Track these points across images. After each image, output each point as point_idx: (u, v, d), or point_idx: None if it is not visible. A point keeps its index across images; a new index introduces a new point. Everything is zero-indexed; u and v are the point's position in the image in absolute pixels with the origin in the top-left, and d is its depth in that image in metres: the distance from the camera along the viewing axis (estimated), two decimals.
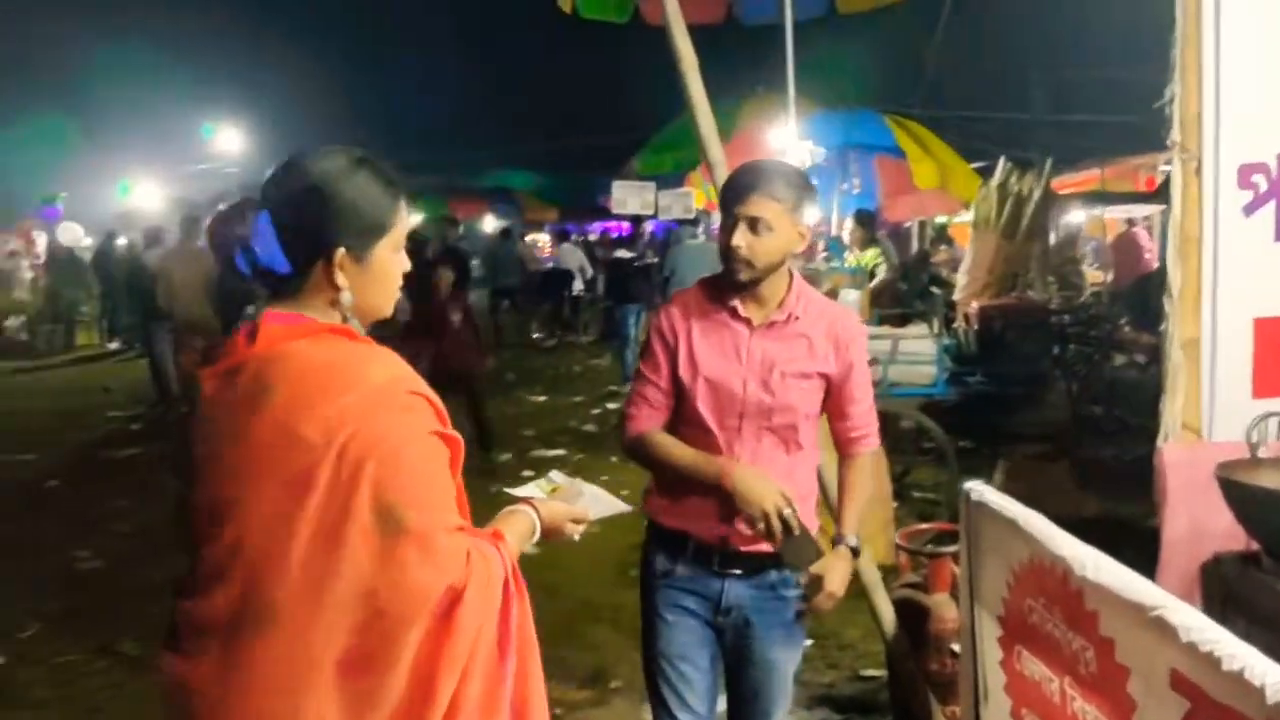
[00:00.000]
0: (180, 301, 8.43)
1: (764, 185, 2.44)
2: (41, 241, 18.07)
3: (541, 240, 20.37)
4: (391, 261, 1.66)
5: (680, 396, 2.56)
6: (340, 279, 1.58)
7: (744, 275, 2.45)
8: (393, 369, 1.57)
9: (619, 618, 4.62)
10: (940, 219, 14.02)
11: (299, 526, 1.45)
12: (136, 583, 5.47)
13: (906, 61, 16.07)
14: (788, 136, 6.20)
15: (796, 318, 2.53)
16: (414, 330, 7.46)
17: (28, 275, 16.71)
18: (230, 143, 24.24)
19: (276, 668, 1.46)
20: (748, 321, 2.53)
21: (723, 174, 3.51)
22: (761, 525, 2.39)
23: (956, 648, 3.37)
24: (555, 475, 2.01)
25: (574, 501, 1.92)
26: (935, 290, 7.14)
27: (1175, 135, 3.20)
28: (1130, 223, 13.89)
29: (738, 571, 2.53)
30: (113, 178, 22.56)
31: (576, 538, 1.89)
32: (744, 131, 8.77)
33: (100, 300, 16.71)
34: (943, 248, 12.74)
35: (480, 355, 8.24)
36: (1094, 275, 13.13)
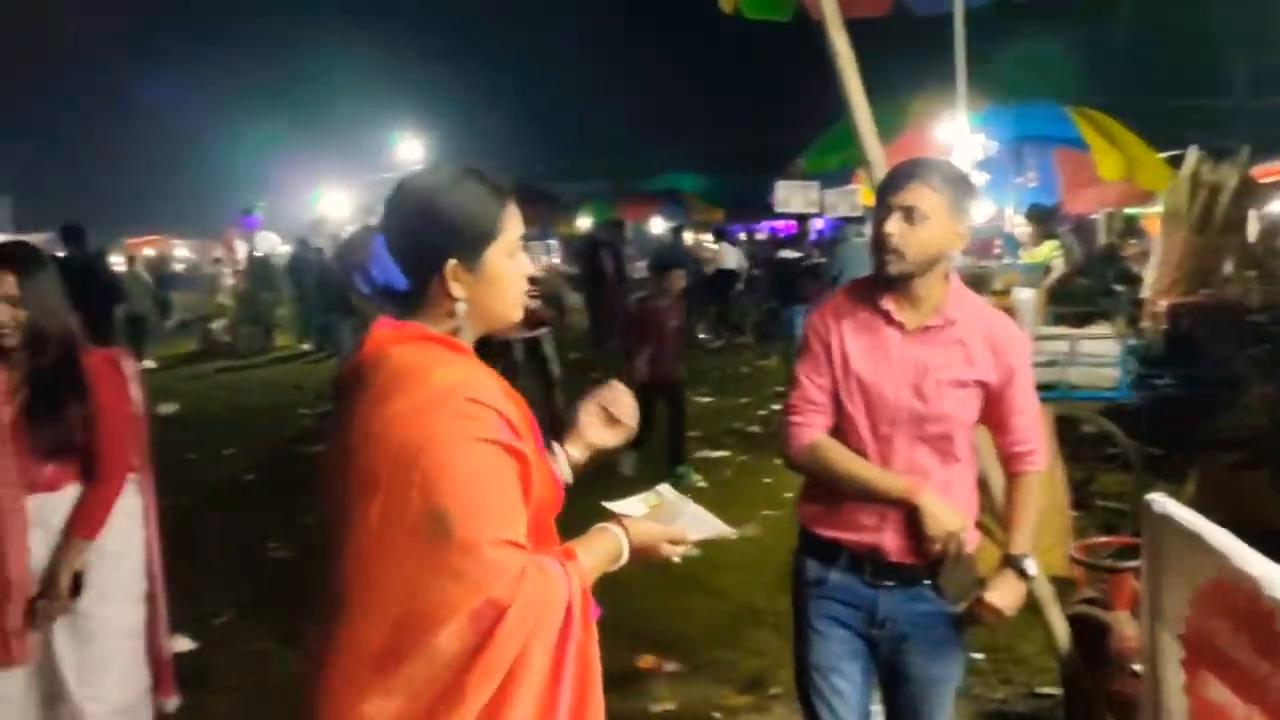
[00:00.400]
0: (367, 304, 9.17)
1: (922, 174, 2.36)
2: (242, 249, 19.30)
3: (705, 240, 20.41)
4: (506, 266, 1.68)
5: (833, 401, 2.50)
6: (455, 289, 1.63)
7: (894, 268, 2.35)
8: (458, 375, 1.57)
9: (781, 623, 4.55)
10: (1130, 210, 13.28)
11: (363, 523, 1.50)
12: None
13: (1090, 48, 15.31)
14: (957, 131, 6.02)
15: (953, 322, 2.43)
16: (631, 330, 7.37)
17: (229, 281, 17.89)
18: (411, 151, 25.29)
19: (338, 659, 1.53)
20: (900, 325, 2.44)
21: (880, 173, 3.43)
22: (939, 547, 2.35)
23: (1138, 668, 3.19)
24: (664, 489, 1.92)
25: (672, 521, 1.82)
26: (1119, 287, 6.76)
27: None
28: None
29: (891, 583, 2.47)
30: (306, 188, 23.91)
31: (676, 559, 1.81)
32: (912, 128, 8.54)
33: (294, 304, 17.83)
34: (1132, 241, 12.04)
35: (682, 364, 8.00)
36: None
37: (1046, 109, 8.43)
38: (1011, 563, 2.49)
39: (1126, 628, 3.33)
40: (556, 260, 23.56)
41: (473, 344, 1.70)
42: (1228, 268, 8.30)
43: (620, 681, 3.80)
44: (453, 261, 1.62)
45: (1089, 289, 7.65)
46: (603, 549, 1.73)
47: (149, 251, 27.54)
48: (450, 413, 1.51)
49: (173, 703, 3.35)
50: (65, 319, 3.01)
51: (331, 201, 26.82)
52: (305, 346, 16.83)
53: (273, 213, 23.03)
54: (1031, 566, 2.50)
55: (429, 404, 1.51)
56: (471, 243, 1.63)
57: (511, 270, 1.69)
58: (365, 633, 1.51)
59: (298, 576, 5.73)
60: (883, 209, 2.37)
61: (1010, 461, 2.57)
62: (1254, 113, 12.06)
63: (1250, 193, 8.15)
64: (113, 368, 3.11)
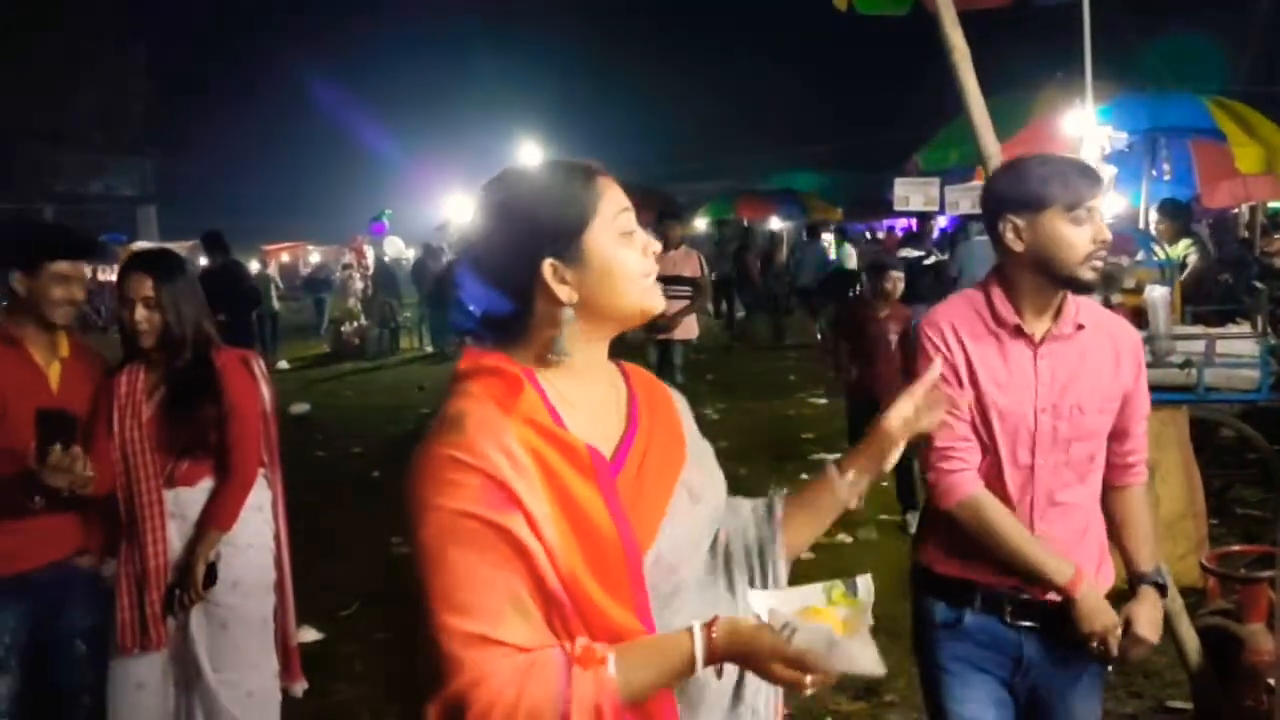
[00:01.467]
0: None
1: (1100, 175, 2.25)
2: (370, 255, 19.93)
3: (826, 240, 20.16)
4: (614, 248, 1.44)
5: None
6: (562, 292, 1.42)
7: (1100, 278, 2.19)
8: (457, 431, 1.35)
9: (895, 628, 4.48)
10: (1273, 205, 12.65)
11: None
12: None
13: (1229, 34, 14.59)
14: (1084, 122, 5.79)
15: (1081, 327, 2.25)
16: (842, 335, 6.71)
17: (359, 285, 18.50)
18: (532, 155, 25.70)
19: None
20: (1029, 338, 2.23)
21: (996, 167, 3.35)
22: (1096, 645, 2.19)
23: (1273, 683, 3.06)
24: (863, 584, 1.44)
25: (822, 648, 1.30)
26: (1259, 284, 6.41)
27: None
28: None
29: (1033, 624, 2.26)
30: (433, 194, 24.57)
31: (806, 692, 1.34)
32: (1038, 121, 8.28)
33: (418, 307, 18.35)
34: (1277, 236, 11.47)
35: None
36: None
37: (1182, 98, 8.06)
38: (1145, 580, 2.29)
39: (1262, 641, 3.19)
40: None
41: (586, 349, 1.48)
42: None
43: None
44: (549, 261, 1.41)
45: (1228, 286, 7.30)
46: (659, 659, 1.35)
47: (285, 258, 28.77)
48: (434, 478, 1.34)
49: (300, 687, 3.48)
50: (201, 322, 3.15)
51: (457, 206, 27.54)
52: (429, 348, 17.28)
53: (401, 219, 23.75)
54: (1162, 576, 2.33)
55: (424, 462, 1.36)
56: (563, 233, 1.42)
57: (622, 251, 1.45)
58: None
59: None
60: (1078, 210, 2.13)
61: (1122, 473, 2.36)
62: None
63: None
64: (245, 368, 3.25)
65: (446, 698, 1.30)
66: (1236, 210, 13.39)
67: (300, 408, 11.89)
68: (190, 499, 3.16)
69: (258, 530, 3.29)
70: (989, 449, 2.24)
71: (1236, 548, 3.99)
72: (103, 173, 32.70)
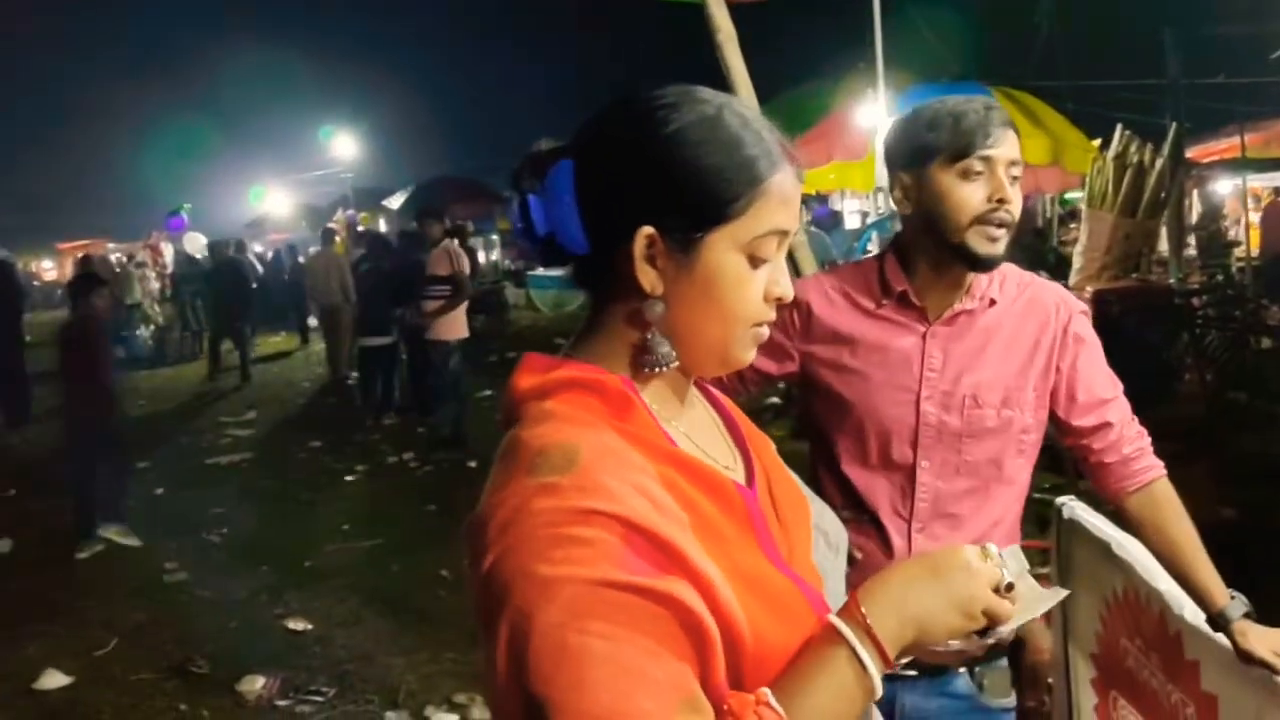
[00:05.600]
0: (319, 292, 11.52)
1: (1007, 120, 1.79)
2: (169, 252, 18.75)
3: None
4: (733, 267, 1.05)
5: (822, 419, 1.96)
6: (645, 276, 1.04)
7: (1002, 250, 1.79)
8: (567, 467, 0.96)
9: None
10: (1072, 194, 13.24)
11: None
12: (217, 595, 5.49)
13: (1018, 28, 15.23)
14: (876, 114, 5.80)
15: (994, 303, 1.89)
16: None
17: (154, 285, 17.34)
18: (345, 148, 24.81)
19: None
20: (920, 312, 1.88)
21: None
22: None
23: (1053, 682, 2.98)
24: (1006, 555, 1.08)
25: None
26: (1043, 274, 6.60)
27: None
28: (1278, 191, 12.84)
29: (913, 673, 1.89)
30: (237, 186, 23.40)
31: (1004, 634, 1.02)
32: (838, 110, 8.33)
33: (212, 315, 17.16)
34: (1073, 225, 12.00)
35: None
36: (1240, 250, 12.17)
37: (972, 90, 8.24)
38: (1231, 616, 1.85)
39: (1041, 639, 3.10)
40: (496, 256, 23.23)
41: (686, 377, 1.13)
42: (1161, 250, 8.19)
43: None
44: (649, 230, 1.03)
45: None
46: (820, 684, 0.97)
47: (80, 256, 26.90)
48: (545, 536, 0.92)
49: None
50: None
51: (272, 200, 26.33)
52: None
53: (203, 213, 22.48)
54: (1245, 603, 1.87)
55: (516, 516, 0.93)
56: (689, 209, 1.03)
57: (743, 276, 1.06)
58: None
59: (189, 600, 5.47)
60: (975, 164, 1.75)
61: (1124, 472, 1.93)
62: (1185, 90, 11.99)
63: (1185, 173, 8.03)
64: None
65: None
66: (1035, 200, 13.96)
67: None
68: None
69: None
70: (861, 441, 1.90)
71: (1017, 544, 3.95)
72: None
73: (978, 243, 1.76)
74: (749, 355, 1.11)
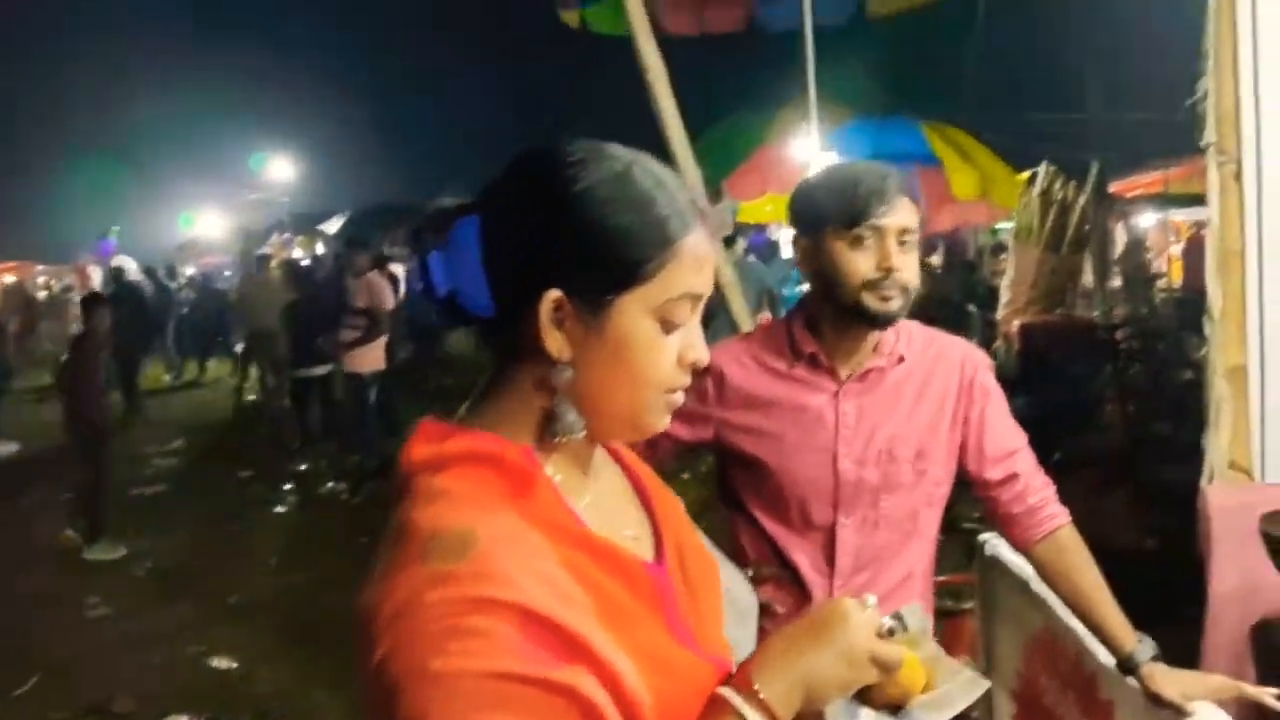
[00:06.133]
0: (252, 319, 10.83)
1: (905, 186, 1.83)
2: (97, 276, 18.34)
3: None
4: (645, 332, 1.01)
5: (740, 483, 1.98)
6: (552, 340, 0.99)
7: (898, 307, 1.82)
8: (462, 552, 0.90)
9: None
10: (1002, 225, 13.55)
11: None
12: (140, 631, 5.36)
13: (948, 64, 15.58)
14: (809, 148, 5.88)
15: (902, 359, 1.93)
16: None
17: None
18: (282, 171, 24.54)
19: None
20: (832, 372, 1.92)
21: (698, 189, 3.22)
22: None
23: (977, 716, 3.00)
24: (910, 613, 1.14)
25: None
26: (972, 307, 6.72)
27: (1210, 135, 2.80)
28: (1199, 226, 13.23)
29: None
30: (169, 209, 23.00)
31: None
32: (773, 143, 8.45)
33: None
34: (1003, 257, 12.25)
35: None
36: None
37: (903, 125, 8.43)
38: (1139, 661, 1.85)
39: None
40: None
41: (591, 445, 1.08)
42: (1086, 283, 8.38)
43: None
44: (557, 293, 0.98)
45: (940, 309, 7.60)
46: None
47: (9, 279, 26.22)
48: (439, 629, 0.87)
49: None
50: None
51: (205, 223, 25.91)
52: (167, 378, 16.03)
53: (133, 236, 22.05)
54: (1152, 646, 1.88)
55: (407, 608, 0.88)
56: (599, 271, 0.99)
57: (654, 341, 1.02)
58: None
59: (113, 636, 5.33)
60: (867, 232, 1.80)
61: (1030, 522, 1.96)
62: (1109, 127, 12.35)
63: (1108, 208, 8.25)
64: None
65: None
66: (964, 234, 14.24)
67: (7, 448, 10.70)
68: None
69: None
70: (780, 503, 1.93)
71: (942, 578, 4.00)
72: None
73: (872, 303, 1.80)
74: (662, 422, 1.06)
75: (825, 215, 1.82)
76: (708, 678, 1.01)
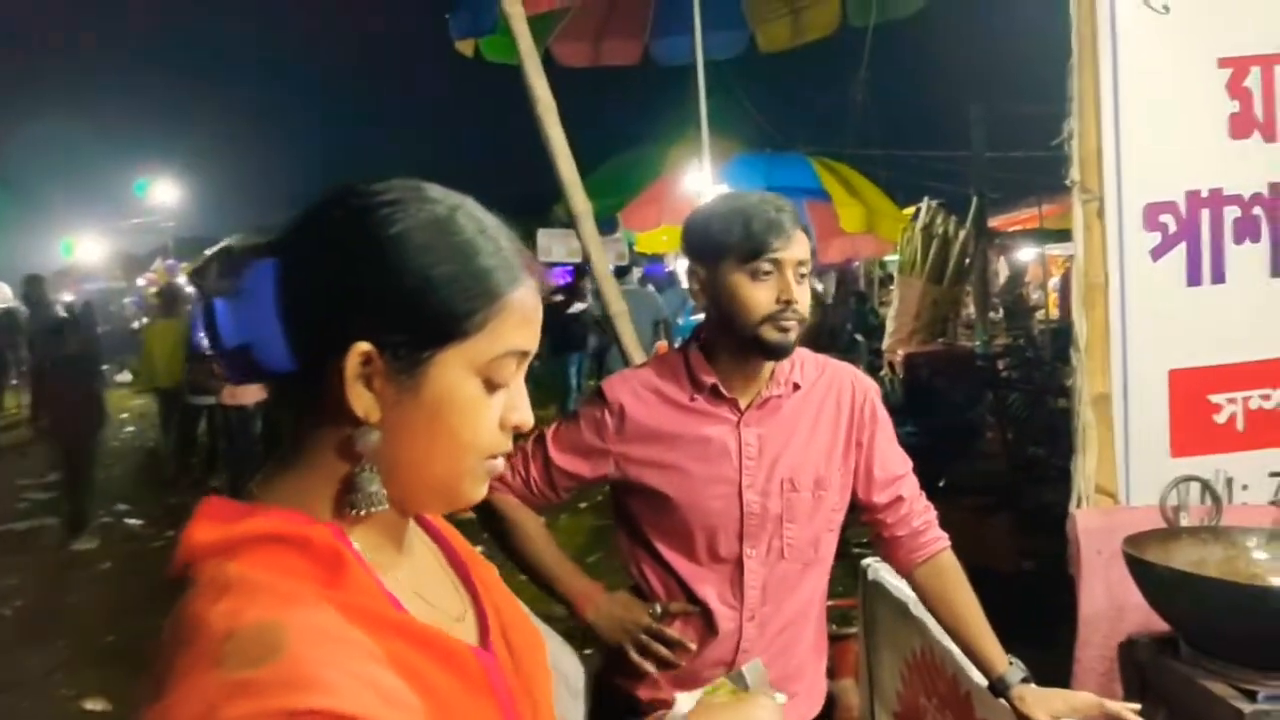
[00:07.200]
0: (158, 365, 9.27)
1: (796, 221, 1.87)
2: None
3: None
4: (465, 392, 0.91)
5: (643, 518, 1.96)
6: (358, 400, 0.88)
7: (796, 338, 1.86)
8: (271, 657, 0.77)
9: None
10: (891, 257, 13.94)
11: None
12: (8, 673, 5.10)
13: (837, 100, 16.05)
14: (702, 181, 5.97)
15: (798, 387, 1.95)
16: None
17: None
18: (166, 195, 23.84)
19: None
20: (732, 403, 1.92)
21: (588, 225, 3.24)
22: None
23: None
24: (751, 671, 1.27)
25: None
26: (859, 338, 6.90)
27: (1075, 174, 2.94)
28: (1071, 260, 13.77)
29: None
30: (47, 233, 22.11)
31: None
32: (667, 175, 8.55)
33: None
34: (892, 288, 12.60)
35: None
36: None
37: (793, 160, 8.63)
38: (1010, 682, 1.90)
39: (850, 697, 3.20)
40: None
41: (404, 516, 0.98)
42: (968, 315, 8.66)
43: None
44: (363, 346, 0.87)
45: (831, 339, 7.76)
46: None
47: None
48: None
49: None
50: None
51: (84, 248, 24.99)
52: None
53: (7, 260, 21.10)
54: (1017, 674, 1.91)
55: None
56: (414, 324, 0.89)
57: (476, 402, 0.92)
58: None
59: None
60: (763, 265, 1.82)
61: (912, 547, 2.01)
62: (991, 164, 12.83)
63: (987, 242, 8.56)
64: None
65: None
66: (856, 265, 14.60)
67: None
68: None
69: None
70: (686, 536, 1.91)
71: (830, 603, 4.06)
72: None
73: (770, 334, 1.82)
74: (480, 491, 0.96)
75: (723, 247, 1.84)
76: None
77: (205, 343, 0.92)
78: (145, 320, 10.66)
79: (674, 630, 1.91)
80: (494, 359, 0.91)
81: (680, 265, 14.09)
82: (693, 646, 1.90)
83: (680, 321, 10.09)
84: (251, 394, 7.89)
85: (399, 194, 0.91)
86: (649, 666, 1.89)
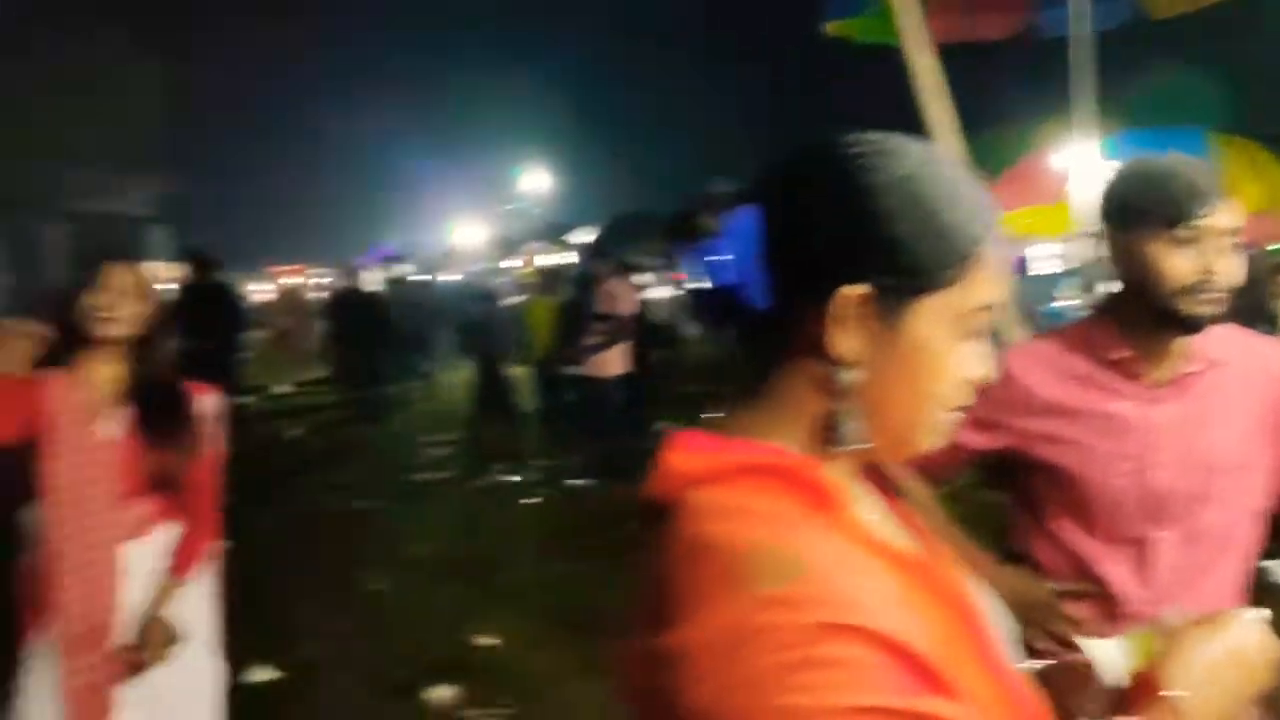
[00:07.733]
0: (537, 339, 9.95)
1: (1221, 186, 1.73)
2: (369, 279, 19.67)
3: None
4: (939, 342, 0.93)
5: (1041, 494, 1.91)
6: (842, 340, 0.91)
7: (1213, 313, 1.74)
8: (796, 576, 0.79)
9: None
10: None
11: None
12: (415, 608, 5.75)
13: (1243, 72, 14.37)
14: (1083, 157, 5.62)
15: (1216, 363, 1.84)
16: None
17: None
18: (537, 182, 25.72)
19: None
20: (1141, 379, 1.82)
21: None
22: None
23: None
24: (1172, 617, 1.10)
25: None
26: (1264, 328, 6.22)
27: None
28: None
29: None
30: (437, 220, 24.50)
31: None
32: (1033, 154, 8.12)
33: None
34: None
35: None
36: None
37: (1186, 135, 7.88)
38: None
39: (1248, 713, 2.96)
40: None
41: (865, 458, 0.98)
42: None
43: None
44: (859, 289, 0.90)
45: (1249, 321, 7.02)
46: None
47: (289, 280, 28.68)
48: (784, 661, 0.76)
49: None
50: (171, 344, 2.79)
51: (462, 234, 27.52)
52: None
53: (405, 245, 23.69)
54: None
55: (737, 637, 0.77)
56: (900, 272, 0.90)
57: (947, 353, 0.93)
58: None
59: (396, 608, 5.75)
60: (1192, 234, 1.71)
61: None
62: None
63: None
64: (211, 397, 2.89)
65: None
66: (1253, 250, 13.15)
67: (294, 431, 11.73)
68: (143, 550, 2.72)
69: (201, 585, 2.90)
70: (1086, 515, 1.85)
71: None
72: (111, 192, 32.66)
73: (1187, 307, 1.73)
74: (933, 443, 0.97)
75: (1139, 211, 1.75)
76: (1028, 709, 0.96)
77: (709, 278, 0.97)
78: (520, 298, 11.42)
79: (1075, 609, 1.86)
80: (968, 311, 0.93)
81: (1034, 251, 13.29)
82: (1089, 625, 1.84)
83: (1040, 309, 9.54)
84: (614, 367, 8.39)
85: (879, 146, 0.93)
86: (1046, 643, 1.84)
